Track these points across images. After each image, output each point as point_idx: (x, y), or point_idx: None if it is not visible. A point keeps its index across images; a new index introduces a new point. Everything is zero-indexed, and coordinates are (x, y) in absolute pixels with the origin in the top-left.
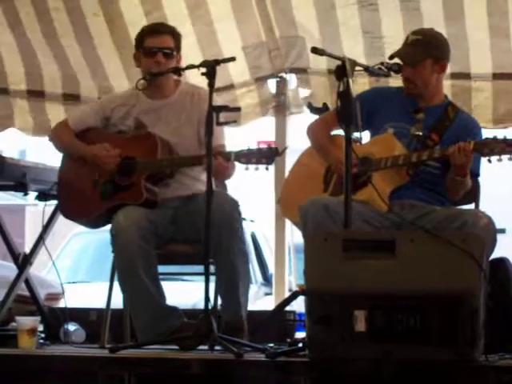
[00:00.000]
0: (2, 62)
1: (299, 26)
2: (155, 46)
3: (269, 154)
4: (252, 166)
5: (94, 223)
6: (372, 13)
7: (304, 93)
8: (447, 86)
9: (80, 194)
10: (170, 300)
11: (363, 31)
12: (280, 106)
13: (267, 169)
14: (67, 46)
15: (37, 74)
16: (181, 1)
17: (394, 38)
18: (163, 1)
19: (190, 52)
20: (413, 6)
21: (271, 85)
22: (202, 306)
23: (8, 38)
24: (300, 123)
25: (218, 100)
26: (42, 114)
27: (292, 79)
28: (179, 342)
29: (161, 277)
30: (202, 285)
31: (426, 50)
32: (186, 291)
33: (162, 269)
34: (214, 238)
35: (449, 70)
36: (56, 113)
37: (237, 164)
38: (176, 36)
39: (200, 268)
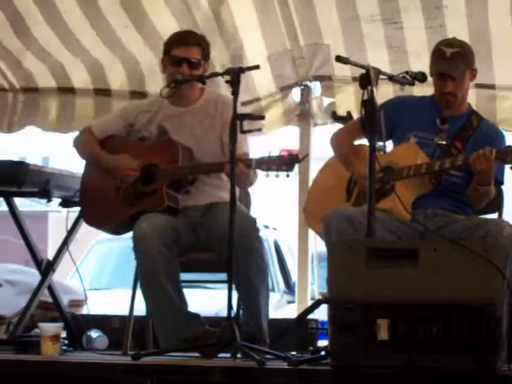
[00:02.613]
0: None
1: (324, 33)
2: (181, 57)
3: (289, 161)
4: (273, 173)
5: (117, 230)
6: (396, 30)
7: (328, 101)
8: (472, 93)
9: (102, 201)
10: (193, 307)
11: (387, 44)
12: (304, 115)
13: (288, 176)
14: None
15: (64, 74)
16: (208, 8)
17: (418, 50)
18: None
19: (217, 62)
20: (438, 23)
21: (295, 93)
22: (224, 313)
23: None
24: (324, 132)
25: (243, 108)
26: (70, 109)
27: (316, 87)
28: (202, 350)
29: (183, 284)
30: (225, 292)
31: (466, 62)
32: (208, 299)
33: (184, 276)
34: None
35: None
36: (85, 108)
37: (258, 171)
38: (204, 46)
39: (223, 276)
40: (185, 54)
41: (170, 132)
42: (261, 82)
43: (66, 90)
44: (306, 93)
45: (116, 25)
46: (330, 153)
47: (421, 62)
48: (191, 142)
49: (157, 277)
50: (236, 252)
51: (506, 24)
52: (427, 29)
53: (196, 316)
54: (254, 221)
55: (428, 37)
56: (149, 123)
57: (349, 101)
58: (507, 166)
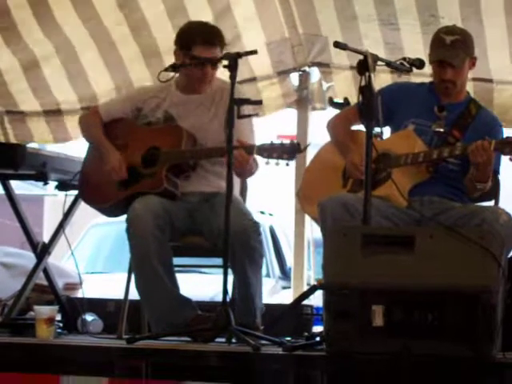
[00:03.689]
0: (6, 85)
1: (322, 27)
2: (205, 58)
3: (291, 150)
4: (273, 161)
5: (114, 210)
6: (392, 31)
7: (327, 85)
8: (469, 86)
9: (102, 181)
10: (188, 292)
11: (384, 42)
12: (302, 100)
13: (288, 164)
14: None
15: (51, 97)
16: (205, 2)
17: (415, 48)
18: (186, 2)
19: None
20: (433, 29)
21: (294, 78)
22: (220, 298)
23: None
24: (322, 118)
25: (245, 93)
26: (61, 127)
27: (314, 73)
28: (194, 334)
29: (178, 269)
30: (221, 277)
31: (465, 50)
32: (204, 283)
33: (179, 261)
34: (230, 253)
35: (470, 74)
36: (75, 124)
37: (258, 158)
38: (224, 44)
39: (218, 261)
40: (209, 55)
41: (176, 119)
42: (258, 65)
43: None
44: (304, 78)
45: None
46: (327, 139)
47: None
48: (196, 130)
49: (148, 258)
50: (235, 249)
51: (501, 27)
52: (423, 32)
53: (188, 300)
54: (256, 224)
55: (424, 38)
56: (156, 109)
57: (347, 88)
58: (505, 157)
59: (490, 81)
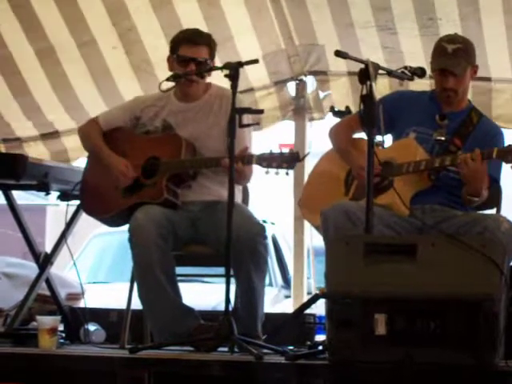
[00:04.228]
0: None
1: (319, 36)
2: (190, 56)
3: (290, 159)
4: (272, 170)
5: (115, 221)
6: (391, 36)
7: (324, 94)
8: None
9: (103, 192)
10: (191, 301)
11: (382, 46)
12: (299, 109)
13: (287, 174)
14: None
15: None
16: (199, 15)
17: (413, 51)
18: (180, 16)
19: None
20: (432, 31)
21: (291, 88)
22: (222, 307)
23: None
24: (321, 127)
25: (245, 102)
26: (59, 146)
27: (311, 82)
28: (197, 344)
29: (181, 278)
30: (223, 287)
31: (467, 59)
32: (206, 293)
33: (182, 270)
34: (235, 257)
35: None
36: (73, 143)
37: (257, 167)
38: (212, 45)
39: (221, 270)
40: (193, 54)
41: (174, 127)
42: (255, 76)
43: None
44: (300, 87)
45: None
46: (326, 148)
47: (417, 61)
48: (194, 138)
49: (151, 268)
50: (240, 253)
51: (500, 31)
52: (421, 34)
53: (190, 310)
54: (262, 228)
55: (423, 41)
56: (154, 118)
57: (345, 95)
58: (508, 165)
59: (489, 79)
